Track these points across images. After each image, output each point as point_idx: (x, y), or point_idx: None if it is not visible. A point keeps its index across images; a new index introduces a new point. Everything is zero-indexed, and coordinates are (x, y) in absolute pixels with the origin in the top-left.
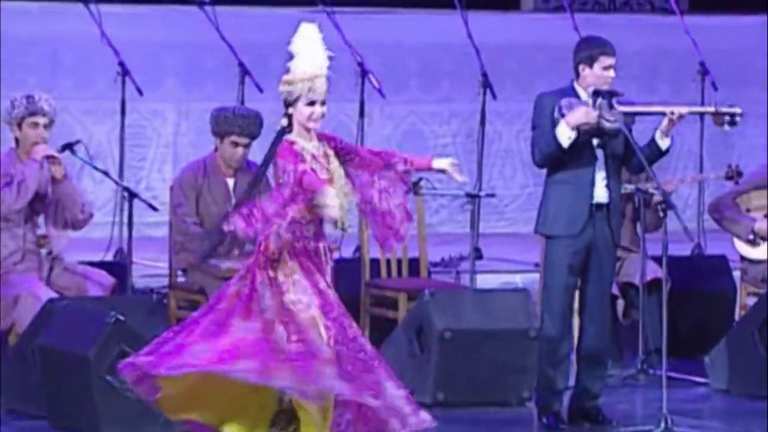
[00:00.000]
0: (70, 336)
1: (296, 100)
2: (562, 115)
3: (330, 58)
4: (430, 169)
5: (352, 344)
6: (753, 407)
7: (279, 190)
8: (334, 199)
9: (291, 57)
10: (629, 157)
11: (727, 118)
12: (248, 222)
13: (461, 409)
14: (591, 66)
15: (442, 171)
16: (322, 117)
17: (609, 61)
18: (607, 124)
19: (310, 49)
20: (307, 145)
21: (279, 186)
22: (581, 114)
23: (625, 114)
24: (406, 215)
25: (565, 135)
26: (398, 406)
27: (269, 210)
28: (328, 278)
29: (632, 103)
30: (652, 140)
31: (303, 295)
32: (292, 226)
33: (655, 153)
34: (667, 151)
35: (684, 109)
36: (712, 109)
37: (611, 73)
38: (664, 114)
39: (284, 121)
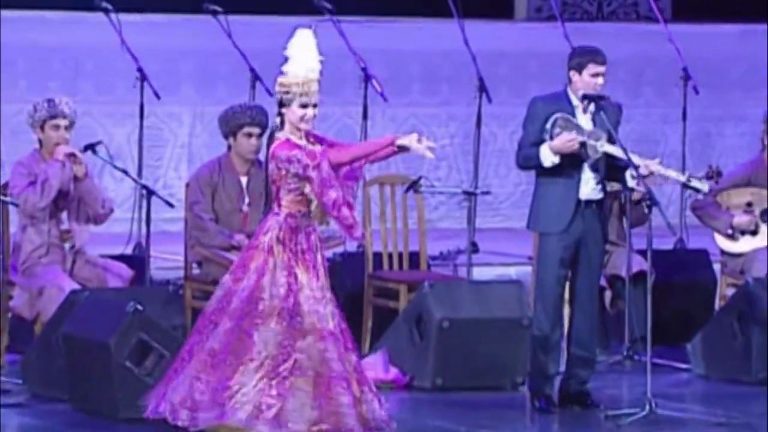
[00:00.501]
0: (92, 325)
1: (290, 101)
2: (551, 137)
3: (321, 62)
4: (394, 148)
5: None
6: (732, 391)
7: (321, 177)
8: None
9: (286, 59)
10: (610, 170)
11: (693, 191)
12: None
13: (458, 393)
14: (580, 72)
15: (406, 149)
16: (314, 119)
17: (597, 69)
18: (589, 156)
19: (304, 54)
20: (300, 143)
21: (297, 176)
22: (564, 144)
23: (608, 142)
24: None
25: (548, 158)
26: None
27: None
28: (321, 272)
29: (619, 107)
30: (624, 177)
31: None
32: (288, 219)
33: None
34: (631, 188)
35: (658, 169)
36: (683, 178)
37: (599, 80)
38: (636, 165)
39: (277, 120)
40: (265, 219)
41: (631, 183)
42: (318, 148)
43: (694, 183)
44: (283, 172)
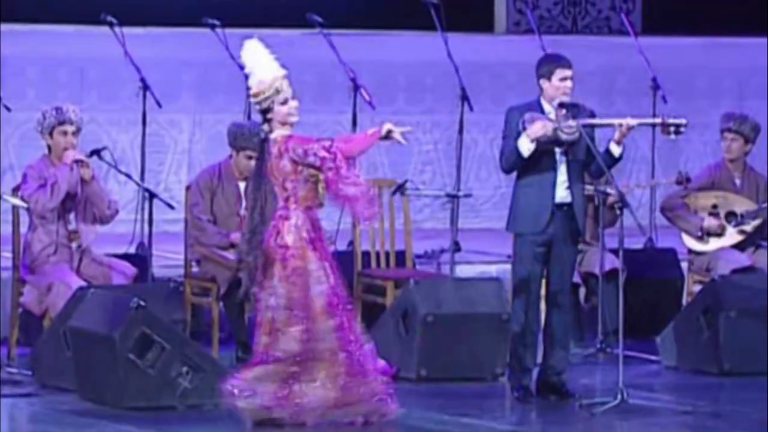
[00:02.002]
0: (98, 319)
1: (272, 105)
2: (524, 129)
3: (283, 65)
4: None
5: None
6: (699, 381)
7: (344, 170)
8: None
9: (246, 75)
10: (590, 163)
11: (673, 128)
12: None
13: (441, 383)
14: (549, 79)
15: (389, 137)
16: (298, 108)
17: (565, 72)
18: (564, 136)
19: (261, 61)
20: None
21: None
22: (538, 127)
23: (583, 125)
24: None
25: (525, 146)
26: None
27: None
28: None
29: (592, 112)
30: (607, 149)
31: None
32: (307, 212)
33: (609, 160)
34: (620, 157)
35: (634, 121)
36: (659, 120)
37: (568, 83)
38: (616, 126)
39: (266, 127)
40: (282, 217)
41: (615, 151)
42: (327, 142)
43: (671, 120)
44: (298, 167)
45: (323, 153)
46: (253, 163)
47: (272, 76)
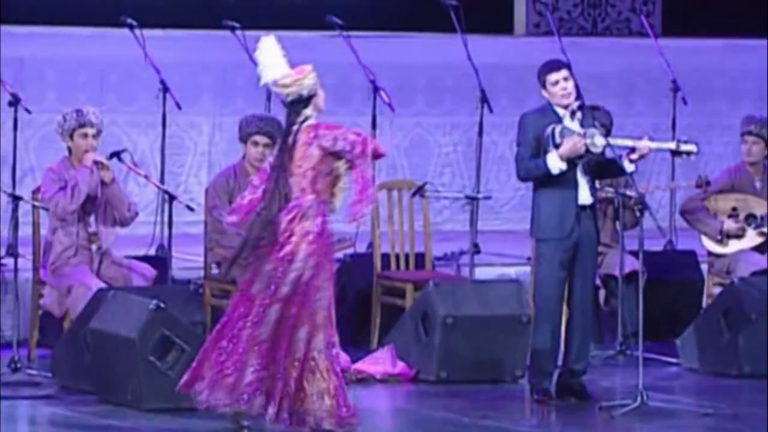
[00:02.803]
0: (118, 321)
1: (317, 89)
2: (556, 146)
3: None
4: None
5: None
6: (719, 384)
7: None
8: None
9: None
10: (599, 168)
11: (684, 155)
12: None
13: (461, 385)
14: (545, 86)
15: None
16: None
17: (555, 76)
18: (591, 153)
19: (280, 57)
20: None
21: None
22: (572, 147)
23: (608, 145)
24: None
25: (556, 165)
26: None
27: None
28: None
29: (608, 114)
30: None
31: None
32: (323, 206)
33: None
34: (631, 174)
35: (654, 144)
36: (673, 145)
37: (561, 84)
38: (633, 149)
39: (308, 111)
40: (296, 206)
41: (628, 167)
42: (358, 130)
43: (684, 147)
44: (326, 156)
45: (353, 137)
46: (260, 149)
47: (300, 67)
